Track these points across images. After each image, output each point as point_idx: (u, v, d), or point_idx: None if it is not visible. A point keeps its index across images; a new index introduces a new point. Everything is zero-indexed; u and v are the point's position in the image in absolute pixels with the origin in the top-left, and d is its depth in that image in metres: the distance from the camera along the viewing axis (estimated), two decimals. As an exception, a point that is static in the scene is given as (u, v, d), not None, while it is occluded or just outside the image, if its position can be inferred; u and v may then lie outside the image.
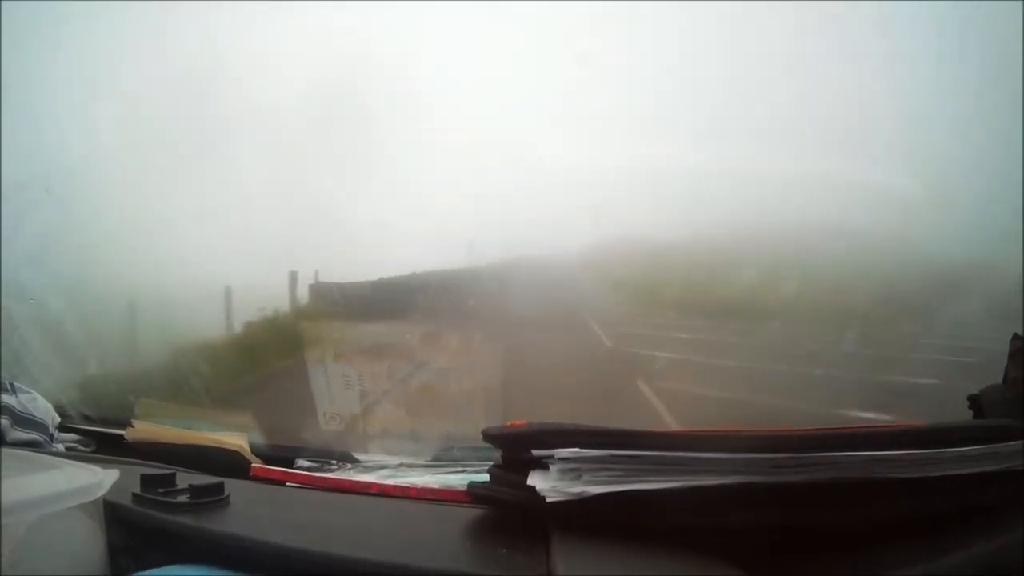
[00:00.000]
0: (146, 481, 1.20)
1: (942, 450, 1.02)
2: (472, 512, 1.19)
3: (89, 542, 1.10)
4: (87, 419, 2.17)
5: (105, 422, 2.09)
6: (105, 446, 1.88)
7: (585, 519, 1.01)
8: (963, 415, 1.38)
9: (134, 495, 1.18)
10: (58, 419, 1.86)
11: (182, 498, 1.18)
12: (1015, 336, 1.39)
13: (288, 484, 1.47)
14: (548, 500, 1.00)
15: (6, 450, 1.49)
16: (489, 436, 1.13)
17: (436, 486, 1.42)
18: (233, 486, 1.24)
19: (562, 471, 1.01)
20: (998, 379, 1.42)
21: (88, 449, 1.91)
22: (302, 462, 1.76)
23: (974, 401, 1.39)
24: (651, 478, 0.98)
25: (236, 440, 1.68)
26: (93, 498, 1.13)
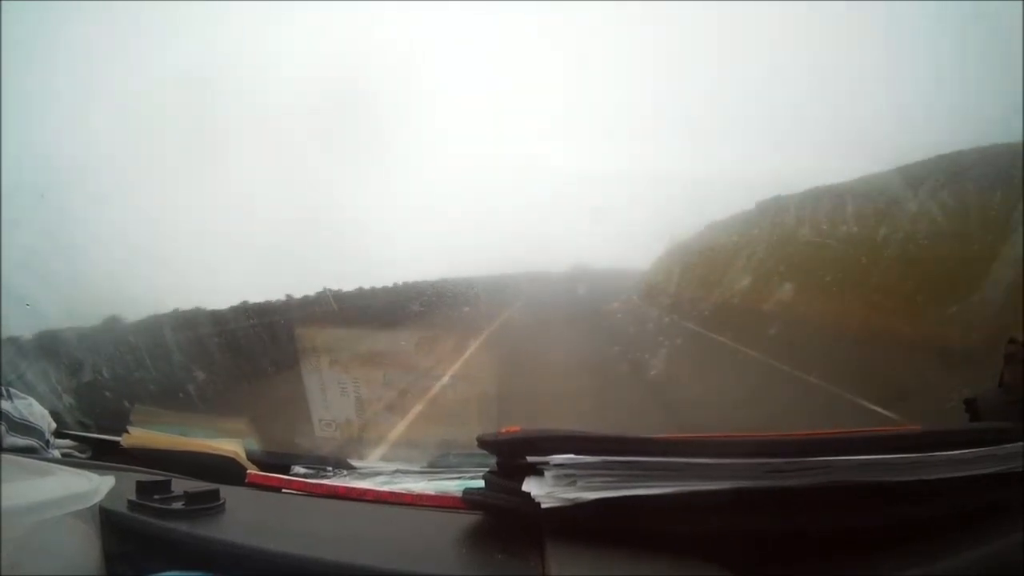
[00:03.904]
0: (142, 488, 1.20)
1: (937, 453, 1.02)
2: (468, 518, 1.19)
3: (85, 548, 1.10)
4: (83, 425, 2.17)
5: (101, 428, 2.09)
6: (101, 452, 1.88)
7: (580, 525, 1.01)
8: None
9: (130, 501, 1.18)
10: (54, 425, 1.86)
11: (177, 505, 1.18)
12: (1011, 340, 1.39)
13: (284, 491, 1.47)
14: (543, 506, 1.00)
15: (2, 456, 1.49)
16: (484, 442, 1.13)
17: (432, 492, 1.42)
18: (228, 493, 1.24)
19: (557, 477, 1.01)
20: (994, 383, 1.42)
21: (84, 455, 1.91)
22: (298, 469, 1.76)
23: (970, 404, 1.39)
24: (645, 484, 0.98)
25: (232, 447, 1.68)
26: (89, 504, 1.14)
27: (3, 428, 1.68)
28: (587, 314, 12.28)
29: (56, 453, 1.80)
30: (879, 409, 5.48)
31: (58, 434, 1.90)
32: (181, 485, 1.24)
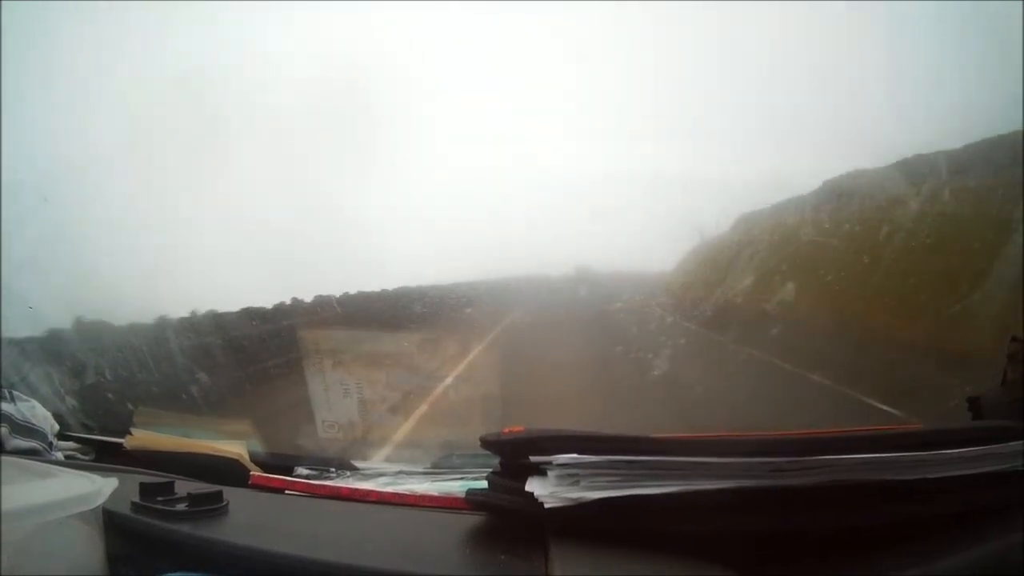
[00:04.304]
0: (145, 489, 1.20)
1: (939, 452, 1.02)
2: (471, 519, 1.19)
3: (88, 550, 1.10)
4: (86, 427, 2.17)
5: (104, 430, 2.09)
6: (104, 454, 1.88)
7: (583, 524, 1.01)
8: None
9: (133, 503, 1.18)
10: (57, 427, 1.86)
11: (181, 506, 1.18)
12: (1013, 338, 1.39)
13: (287, 492, 1.47)
14: (546, 506, 1.00)
15: (5, 458, 1.49)
16: (487, 443, 1.13)
17: (435, 493, 1.42)
18: (232, 494, 1.24)
19: (560, 477, 1.01)
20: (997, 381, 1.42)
21: (87, 457, 1.91)
22: (301, 470, 1.76)
23: (973, 403, 1.39)
24: (649, 483, 0.98)
25: (235, 448, 1.68)
26: (92, 506, 1.14)
27: (6, 430, 1.68)
28: (597, 324, 11.42)
29: (59, 455, 1.80)
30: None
31: (61, 436, 1.90)
32: (184, 487, 1.25)
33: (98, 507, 1.15)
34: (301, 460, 1.81)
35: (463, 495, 1.20)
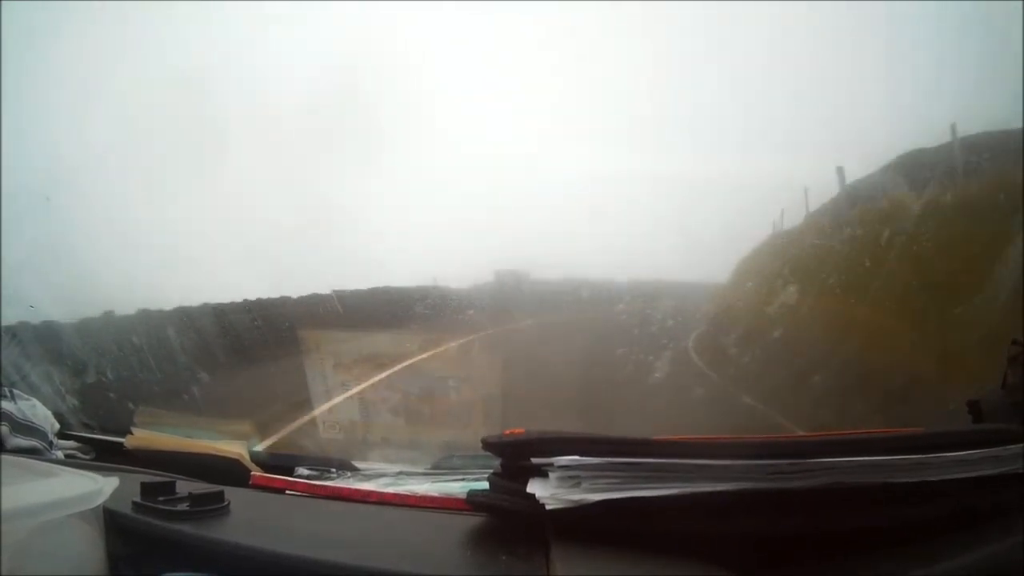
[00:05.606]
0: (146, 489, 1.20)
1: (940, 455, 1.02)
2: (472, 520, 1.19)
3: (89, 550, 1.10)
4: (86, 426, 2.17)
5: (104, 429, 2.09)
6: (105, 453, 1.89)
7: (584, 526, 1.01)
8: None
9: (134, 503, 1.18)
10: (57, 426, 1.86)
11: (182, 506, 1.18)
12: (1014, 341, 1.39)
13: (288, 492, 1.47)
14: (548, 507, 1.00)
15: (6, 457, 1.49)
16: (488, 444, 1.13)
17: (436, 494, 1.42)
18: (233, 494, 1.24)
19: (561, 478, 1.01)
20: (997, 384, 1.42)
21: (88, 456, 1.91)
22: (301, 470, 1.76)
23: (974, 406, 1.39)
24: (650, 485, 0.98)
25: (236, 448, 1.68)
26: (93, 506, 1.14)
27: (7, 429, 1.68)
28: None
29: (60, 454, 1.81)
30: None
31: (62, 435, 1.90)
32: (185, 487, 1.25)
33: (99, 506, 1.15)
34: (302, 460, 1.81)
35: (464, 496, 1.20)
